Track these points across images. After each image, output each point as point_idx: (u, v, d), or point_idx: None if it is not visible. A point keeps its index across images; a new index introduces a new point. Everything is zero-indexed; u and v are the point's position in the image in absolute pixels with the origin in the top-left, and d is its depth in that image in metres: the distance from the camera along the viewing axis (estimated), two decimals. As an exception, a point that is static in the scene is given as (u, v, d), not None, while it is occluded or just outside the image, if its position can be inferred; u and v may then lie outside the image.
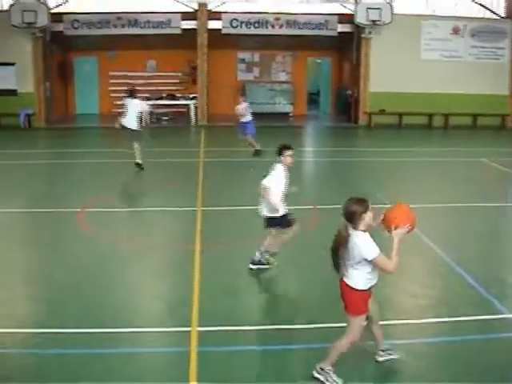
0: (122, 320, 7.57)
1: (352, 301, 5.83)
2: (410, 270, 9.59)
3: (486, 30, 28.63)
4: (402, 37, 27.38)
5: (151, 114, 27.91)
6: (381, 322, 6.43)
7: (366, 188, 14.96)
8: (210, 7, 27.41)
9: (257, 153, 19.09)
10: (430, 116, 28.39)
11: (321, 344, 6.60)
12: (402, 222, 5.70)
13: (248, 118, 19.26)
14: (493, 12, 29.09)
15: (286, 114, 30.28)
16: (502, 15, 29.15)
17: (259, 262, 9.29)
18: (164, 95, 28.94)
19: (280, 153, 8.82)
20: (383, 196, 13.05)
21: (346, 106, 30.31)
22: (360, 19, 26.81)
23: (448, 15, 28.54)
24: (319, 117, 32.22)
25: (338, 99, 32.40)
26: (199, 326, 7.29)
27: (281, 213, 8.82)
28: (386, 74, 27.40)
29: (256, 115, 28.11)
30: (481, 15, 29.10)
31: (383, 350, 6.46)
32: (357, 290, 5.78)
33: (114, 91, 29.24)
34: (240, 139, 19.73)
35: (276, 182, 8.75)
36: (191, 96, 28.45)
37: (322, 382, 6.04)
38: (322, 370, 6.07)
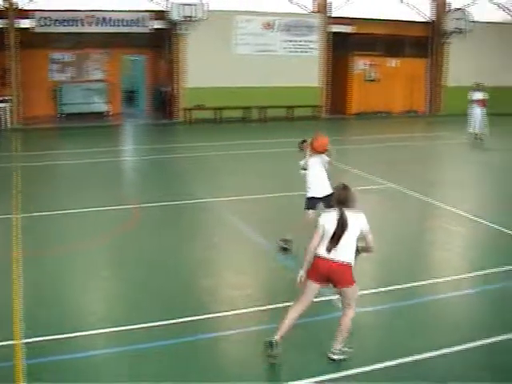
0: None
1: (348, 273, 6.36)
2: (232, 261, 9.86)
3: (296, 25, 29.88)
4: (216, 32, 27.92)
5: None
6: (206, 316, 6.49)
7: (186, 184, 15.11)
8: (19, 5, 26.23)
9: None
10: (248, 109, 29.12)
11: (169, 341, 6.67)
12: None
13: None
14: (302, 7, 30.25)
15: (102, 113, 29.72)
16: (312, 10, 30.49)
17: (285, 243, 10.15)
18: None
19: (300, 147, 10.07)
20: (204, 192, 13.34)
21: (163, 103, 30.39)
22: (174, 16, 26.94)
23: (260, 10, 29.42)
24: (136, 114, 31.78)
25: (154, 96, 32.32)
26: (24, 337, 6.99)
27: (308, 195, 9.88)
28: (202, 70, 27.76)
29: (72, 116, 27.31)
30: (292, 10, 30.23)
31: (277, 342, 6.39)
32: (350, 265, 6.34)
33: None
34: None
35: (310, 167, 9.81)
36: (2, 99, 27.11)
37: (342, 359, 6.39)
38: (340, 350, 6.43)
